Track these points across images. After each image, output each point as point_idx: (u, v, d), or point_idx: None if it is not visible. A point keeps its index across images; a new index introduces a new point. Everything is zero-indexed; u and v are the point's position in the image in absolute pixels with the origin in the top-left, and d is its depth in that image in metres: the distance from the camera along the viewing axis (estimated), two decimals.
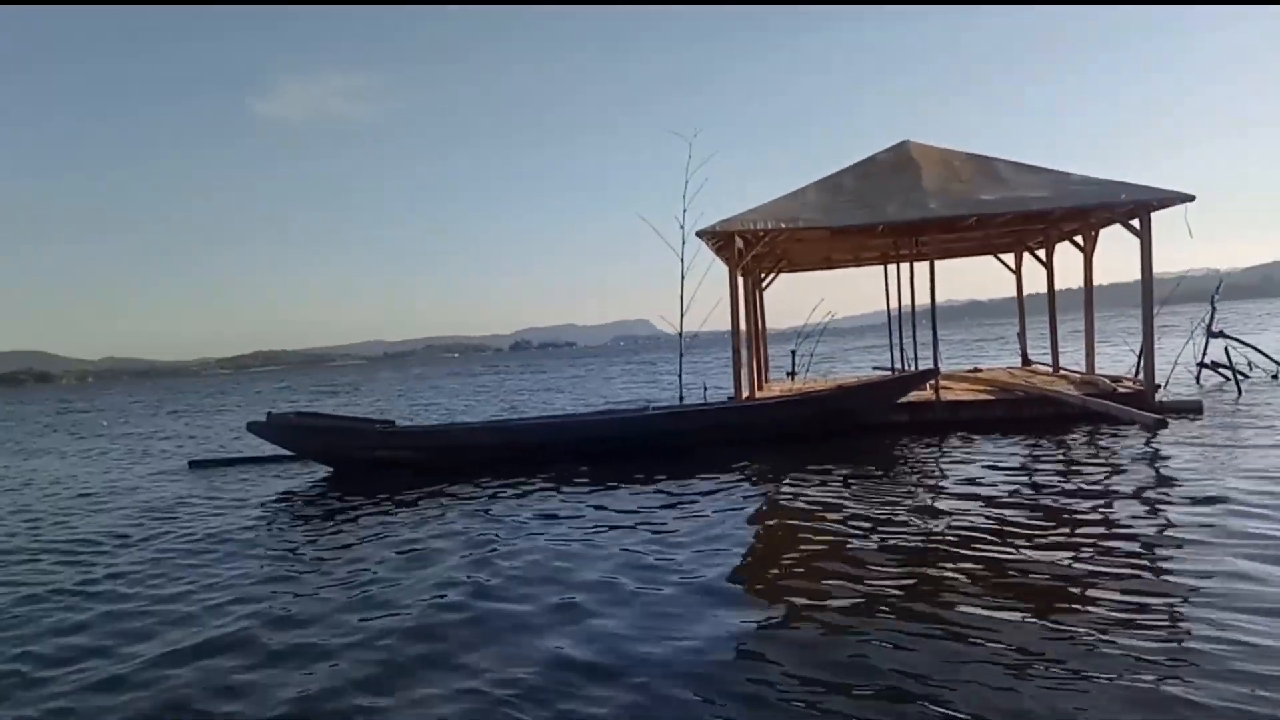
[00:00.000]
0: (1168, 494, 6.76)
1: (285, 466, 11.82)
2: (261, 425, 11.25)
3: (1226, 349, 14.99)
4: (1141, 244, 11.00)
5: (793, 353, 19.42)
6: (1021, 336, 18.21)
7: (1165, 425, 9.71)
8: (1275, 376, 15.32)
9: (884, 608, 4.46)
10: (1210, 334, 15.46)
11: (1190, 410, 10.96)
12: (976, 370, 17.30)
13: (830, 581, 4.96)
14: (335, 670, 4.09)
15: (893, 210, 11.40)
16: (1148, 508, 6.35)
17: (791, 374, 19.14)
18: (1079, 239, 13.56)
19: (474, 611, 4.83)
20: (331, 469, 11.12)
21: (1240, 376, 15.18)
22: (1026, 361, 17.67)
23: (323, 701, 3.75)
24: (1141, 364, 13.37)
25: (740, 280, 14.21)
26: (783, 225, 11.37)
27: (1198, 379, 15.23)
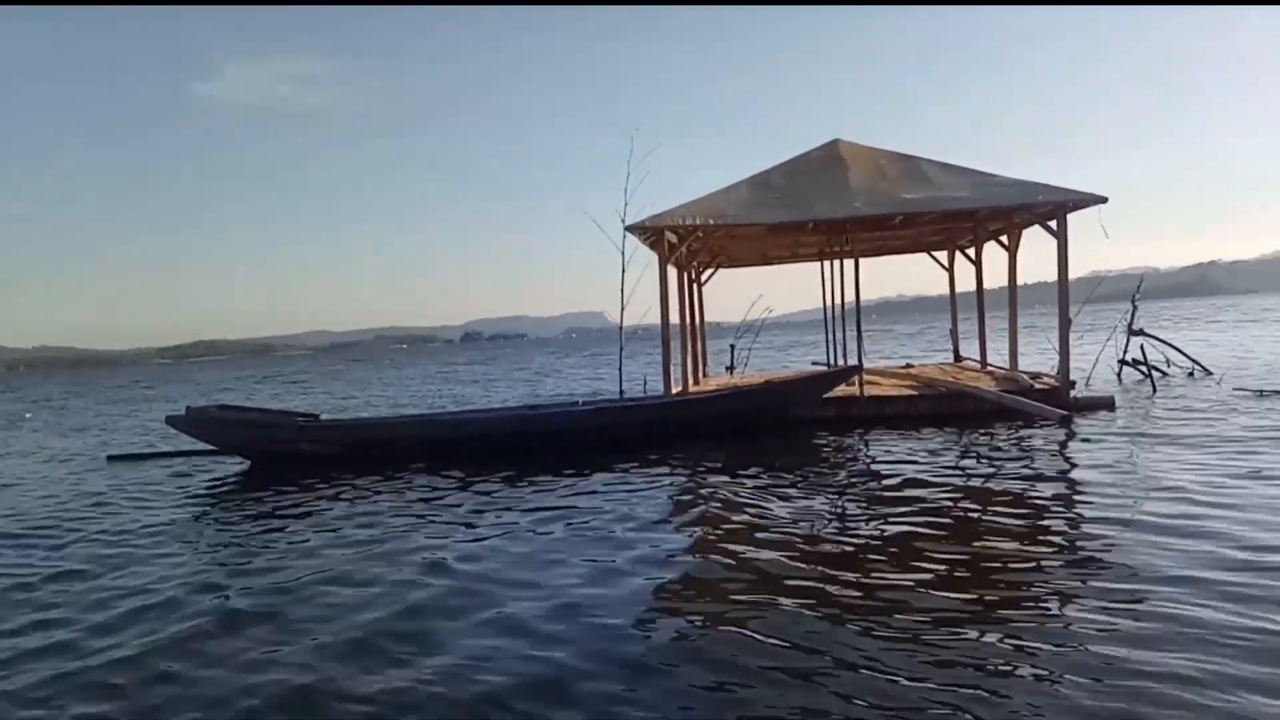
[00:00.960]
0: (1070, 485, 7.07)
1: (206, 461, 11.60)
2: (180, 419, 11.02)
3: (1142, 346, 15.44)
4: (1058, 244, 11.32)
5: (731, 347, 19.62)
6: (953, 333, 18.58)
7: (1072, 420, 10.02)
8: (1191, 374, 15.81)
9: (807, 598, 4.53)
10: (1131, 332, 15.93)
11: (1103, 406, 11.34)
12: (909, 366, 17.63)
13: (753, 574, 5.04)
14: (263, 670, 4.03)
15: (820, 208, 11.58)
16: (1049, 498, 6.64)
17: (730, 368, 19.33)
18: (1004, 238, 13.87)
19: (395, 605, 4.81)
20: (252, 463, 10.97)
21: (1159, 374, 15.70)
22: (958, 357, 18.05)
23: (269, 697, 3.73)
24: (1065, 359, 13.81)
25: (676, 275, 14.34)
26: (711, 221, 11.49)
27: (1119, 376, 15.69)
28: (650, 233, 11.91)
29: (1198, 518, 5.62)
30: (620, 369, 16.60)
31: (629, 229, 11.81)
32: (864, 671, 3.58)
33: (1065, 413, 9.89)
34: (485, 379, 33.11)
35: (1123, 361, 15.83)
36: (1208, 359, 17.54)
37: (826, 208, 11.55)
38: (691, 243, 13.88)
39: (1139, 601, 4.16)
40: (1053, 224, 11.42)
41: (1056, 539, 5.51)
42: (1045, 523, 5.94)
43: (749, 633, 4.06)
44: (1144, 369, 15.12)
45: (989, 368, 15.26)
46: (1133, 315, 16.01)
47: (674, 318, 12.53)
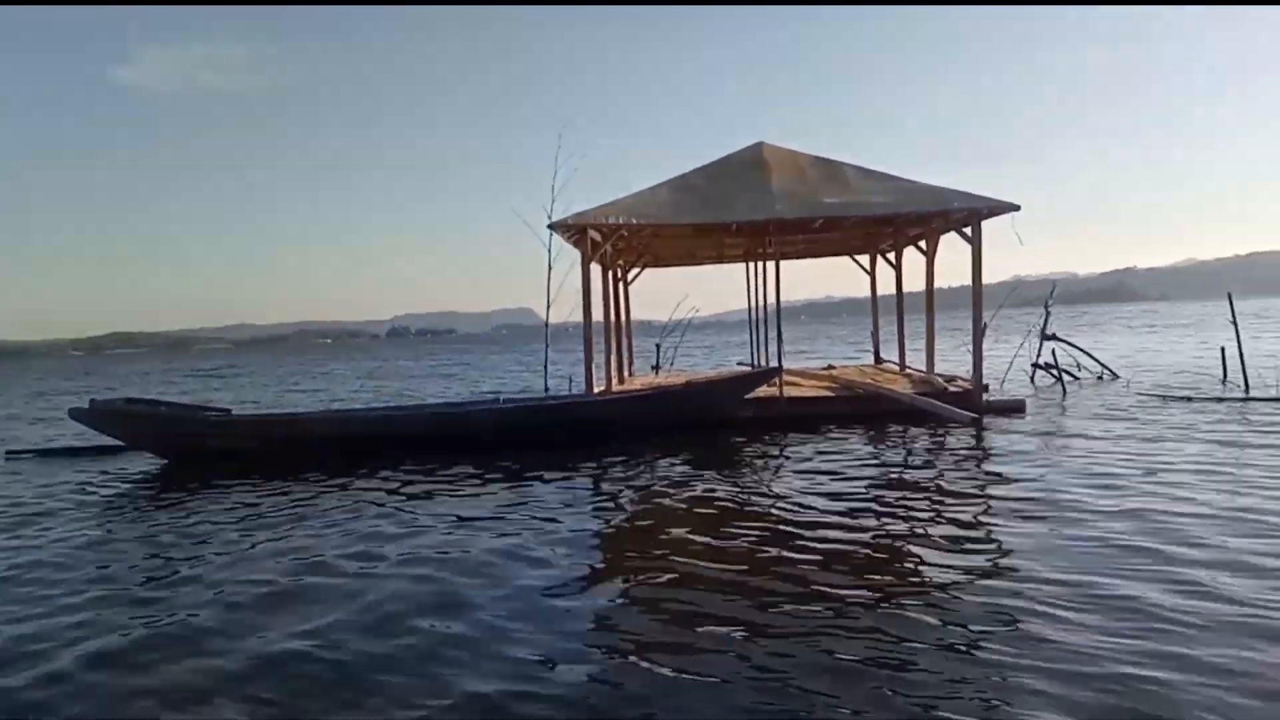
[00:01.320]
0: (975, 484, 7.29)
1: (113, 458, 11.19)
2: (85, 412, 10.59)
3: (1053, 351, 15.88)
4: (973, 250, 11.57)
5: (657, 346, 19.71)
6: (874, 335, 18.91)
7: (978, 423, 10.29)
8: (1100, 378, 16.34)
9: (726, 595, 4.59)
10: (1044, 337, 16.40)
11: (1013, 409, 11.63)
12: (830, 367, 17.88)
13: (670, 572, 5.08)
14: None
15: (741, 210, 11.66)
16: (954, 495, 6.82)
17: (656, 367, 19.41)
18: (923, 244, 14.14)
19: (312, 607, 4.72)
20: (160, 459, 10.64)
21: (1070, 377, 16.20)
22: (879, 360, 18.36)
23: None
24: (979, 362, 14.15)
25: (604, 274, 14.33)
26: (634, 220, 11.50)
27: (1032, 379, 16.14)
28: (573, 230, 11.87)
29: (1096, 512, 5.91)
30: (546, 366, 16.55)
31: (551, 226, 11.75)
32: (772, 670, 3.62)
33: (974, 415, 10.14)
34: (409, 375, 32.71)
35: (1036, 365, 16.28)
36: (1117, 363, 18.18)
37: (747, 210, 11.64)
38: (616, 241, 13.88)
39: (1031, 589, 4.32)
40: (968, 230, 11.66)
41: (958, 534, 5.65)
42: (947, 518, 6.11)
43: (662, 637, 4.07)
44: (1055, 373, 15.58)
45: (907, 370, 15.55)
46: (1045, 320, 16.48)
47: (598, 316, 12.54)
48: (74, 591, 5.24)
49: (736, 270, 20.10)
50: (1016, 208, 11.27)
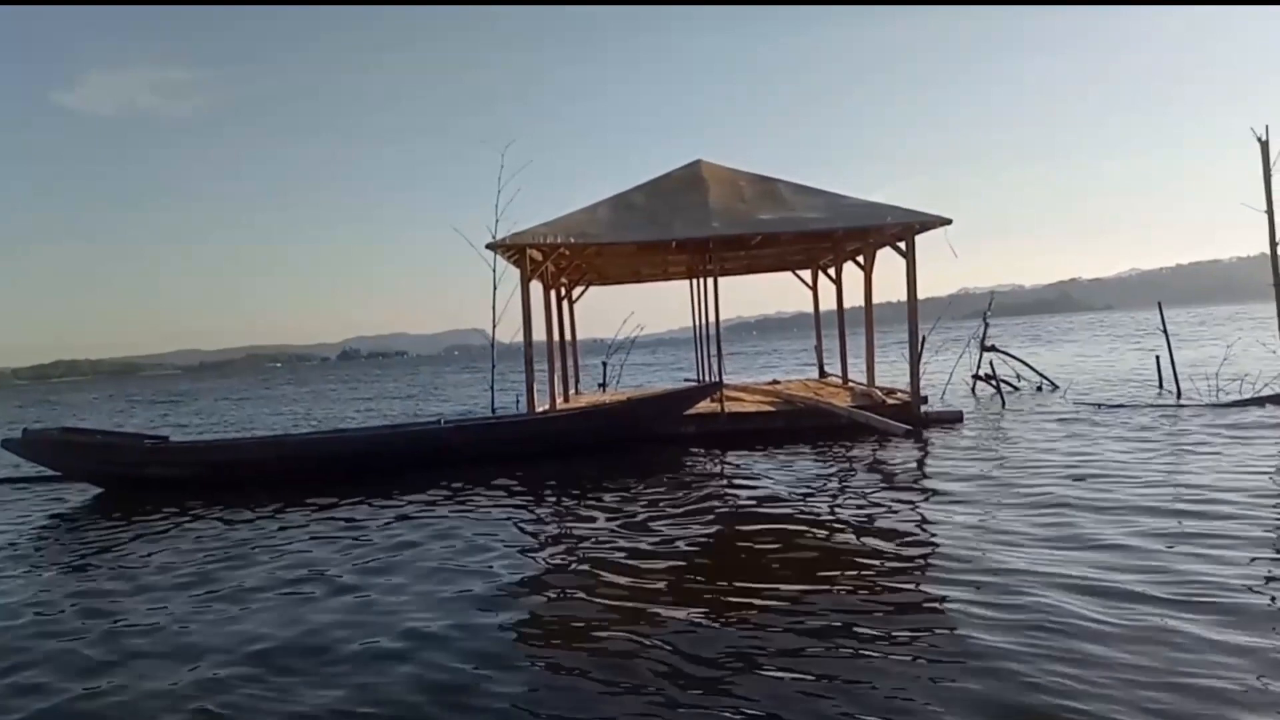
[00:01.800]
0: (911, 494, 7.39)
1: (49, 488, 10.94)
2: (17, 442, 10.37)
3: (990, 362, 16.12)
4: (907, 264, 11.73)
5: (604, 364, 19.72)
6: (817, 350, 19.12)
7: (915, 435, 10.41)
8: (1039, 388, 16.62)
9: (664, 609, 4.60)
10: (983, 348, 16.66)
11: (951, 420, 11.78)
12: (775, 382, 17.99)
13: (609, 588, 5.08)
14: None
15: (679, 228, 11.74)
16: (889, 506, 6.88)
17: (603, 385, 19.42)
18: (860, 258, 14.31)
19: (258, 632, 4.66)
20: (97, 489, 10.41)
21: (1009, 388, 16.47)
22: (822, 374, 18.54)
23: None
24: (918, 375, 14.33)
25: (545, 292, 14.30)
26: (571, 239, 11.51)
27: (973, 390, 16.40)
28: (512, 250, 11.85)
29: (1028, 521, 6.01)
30: (492, 386, 16.50)
31: (490, 246, 11.72)
32: (711, 683, 3.64)
33: (909, 428, 10.25)
34: (359, 398, 32.41)
35: (976, 376, 16.53)
36: (1059, 373, 18.54)
37: (685, 227, 11.72)
38: (558, 260, 13.89)
39: (975, 593, 4.41)
40: (902, 245, 11.82)
41: (891, 544, 5.68)
42: (881, 528, 6.14)
43: (601, 655, 4.05)
44: (994, 384, 15.84)
45: (850, 383, 15.70)
46: (984, 332, 16.76)
47: (540, 335, 12.53)
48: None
49: (682, 288, 20.23)
50: (948, 222, 11.46)
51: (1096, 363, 23.83)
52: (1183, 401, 12.72)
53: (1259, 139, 12.01)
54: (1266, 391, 12.40)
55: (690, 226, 11.71)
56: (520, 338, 12.94)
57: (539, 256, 12.07)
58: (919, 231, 11.68)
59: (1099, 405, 12.83)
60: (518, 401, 16.51)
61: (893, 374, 18.34)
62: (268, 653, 4.34)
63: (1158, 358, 15.07)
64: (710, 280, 12.99)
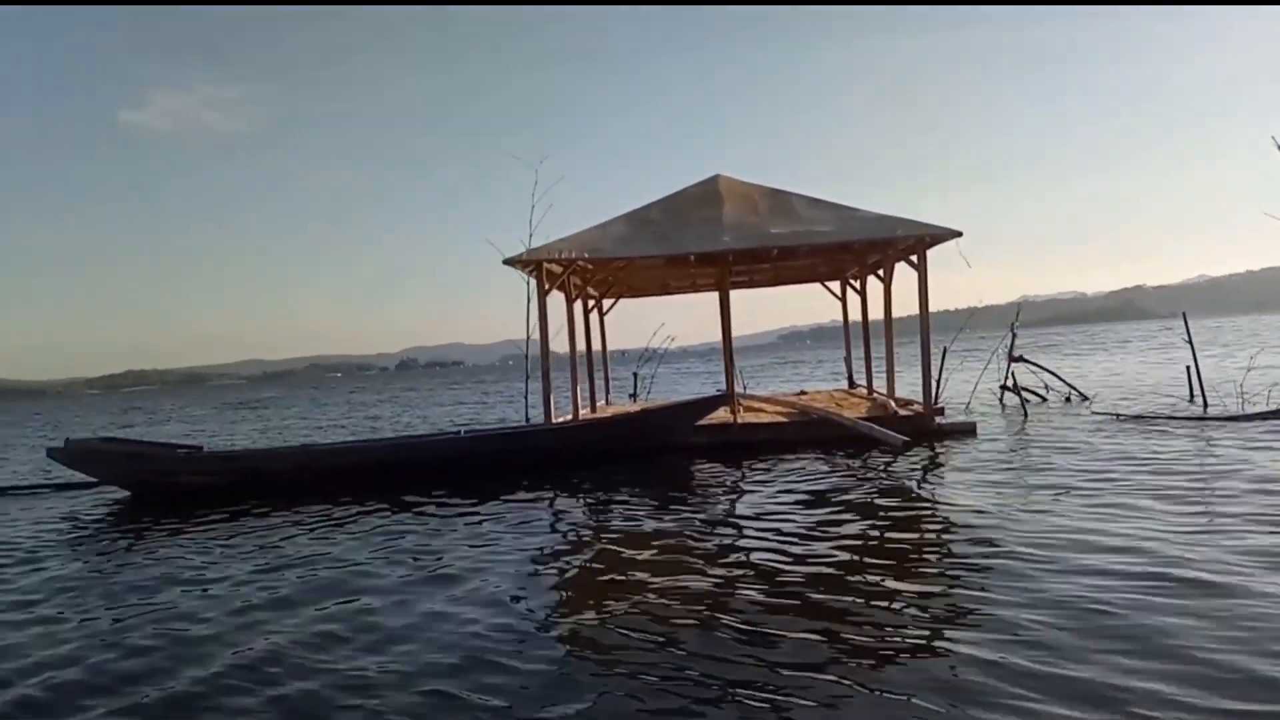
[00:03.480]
0: (911, 507, 7.50)
1: (88, 493, 11.53)
2: (61, 451, 11.01)
3: (1012, 373, 16.02)
4: (919, 277, 11.81)
5: (635, 375, 20.01)
6: (847, 360, 19.17)
7: (911, 447, 10.51)
8: (1068, 399, 16.49)
9: (679, 618, 4.74)
10: (1011, 359, 16.57)
11: (964, 432, 11.79)
12: (802, 393, 18.10)
13: (624, 595, 5.24)
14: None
15: (690, 243, 11.96)
16: (890, 520, 6.95)
17: (634, 395, 19.71)
18: (880, 271, 14.40)
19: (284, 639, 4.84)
20: (132, 495, 10.97)
21: (1038, 399, 16.39)
22: (852, 384, 18.60)
23: None
24: (940, 387, 14.37)
25: (568, 305, 14.62)
26: (585, 255, 11.80)
27: (1000, 400, 16.31)
28: (530, 265, 12.18)
29: (1004, 537, 6.07)
30: (526, 397, 16.87)
31: (507, 262, 12.07)
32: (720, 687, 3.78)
33: (905, 439, 10.31)
34: (410, 406, 33.10)
35: (1004, 387, 16.45)
36: (1100, 383, 18.33)
37: (696, 242, 11.93)
38: (583, 274, 14.21)
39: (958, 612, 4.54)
40: (914, 258, 11.90)
41: (881, 558, 5.81)
42: (874, 543, 6.25)
43: (616, 664, 4.16)
44: (1019, 394, 15.76)
45: (874, 394, 15.75)
46: (1012, 342, 16.65)
47: (558, 347, 12.87)
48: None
49: (739, 298, 20.44)
50: (959, 234, 11.53)
51: (1140, 372, 23.46)
52: (1208, 413, 12.56)
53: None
54: None
55: (702, 241, 11.93)
56: (557, 349, 13.32)
57: (557, 270, 12.38)
58: (930, 245, 11.76)
59: (1117, 416, 12.74)
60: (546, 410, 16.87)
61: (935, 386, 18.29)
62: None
63: (1188, 368, 14.87)
64: (732, 292, 13.19)
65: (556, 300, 13.51)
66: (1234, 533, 5.73)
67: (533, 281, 14.06)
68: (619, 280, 16.67)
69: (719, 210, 12.68)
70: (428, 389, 57.81)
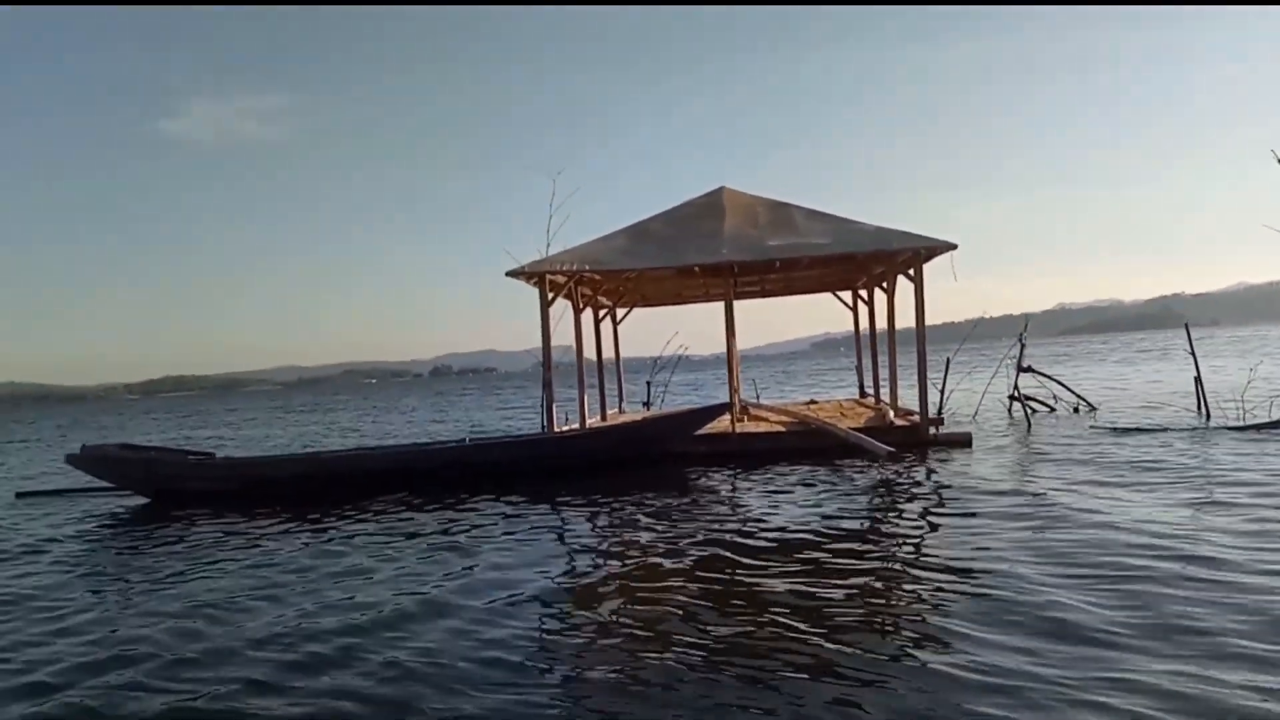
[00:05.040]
0: (901, 515, 7.71)
1: (112, 497, 11.93)
2: (78, 457, 11.45)
3: (1016, 383, 16.08)
4: (915, 288, 11.94)
5: (648, 384, 20.24)
6: (858, 370, 19.28)
7: (897, 457, 10.65)
8: (1076, 409, 16.52)
9: (669, 622, 4.92)
10: (1020, 369, 16.62)
11: (960, 443, 11.90)
12: (812, 402, 18.27)
13: (630, 600, 5.46)
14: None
15: (690, 254, 12.19)
16: (858, 528, 7.20)
17: (647, 404, 19.94)
18: (884, 282, 14.54)
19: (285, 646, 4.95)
20: (148, 499, 11.35)
21: (1046, 409, 16.46)
22: (863, 394, 18.71)
23: None
24: (944, 397, 14.51)
25: (576, 315, 14.88)
26: (586, 267, 12.07)
27: (1009, 411, 16.37)
28: (532, 277, 12.46)
29: (974, 545, 6.26)
30: (543, 404, 17.15)
31: (509, 274, 12.36)
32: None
33: (890, 449, 10.46)
34: (436, 411, 33.60)
35: (1012, 397, 16.50)
36: (1108, 393, 18.31)
37: (696, 254, 12.16)
38: (593, 285, 14.49)
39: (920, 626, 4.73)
40: (910, 270, 12.05)
41: (840, 562, 6.03)
42: (844, 550, 6.41)
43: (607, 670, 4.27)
44: (1033, 404, 15.85)
45: (880, 403, 15.89)
46: (1021, 353, 16.70)
47: (558, 356, 13.14)
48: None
49: (758, 308, 20.70)
50: (954, 247, 11.68)
51: (1157, 381, 23.34)
52: (1211, 424, 12.59)
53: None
54: None
55: (702, 253, 12.15)
56: (566, 357, 13.60)
57: (561, 281, 12.67)
58: (927, 258, 11.92)
59: (1114, 428, 12.80)
60: (567, 419, 17.15)
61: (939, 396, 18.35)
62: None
63: (1195, 379, 14.86)
64: (737, 303, 13.41)
65: (570, 311, 13.79)
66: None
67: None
68: (631, 290, 16.93)
69: (720, 223, 12.90)
70: (456, 395, 58.49)
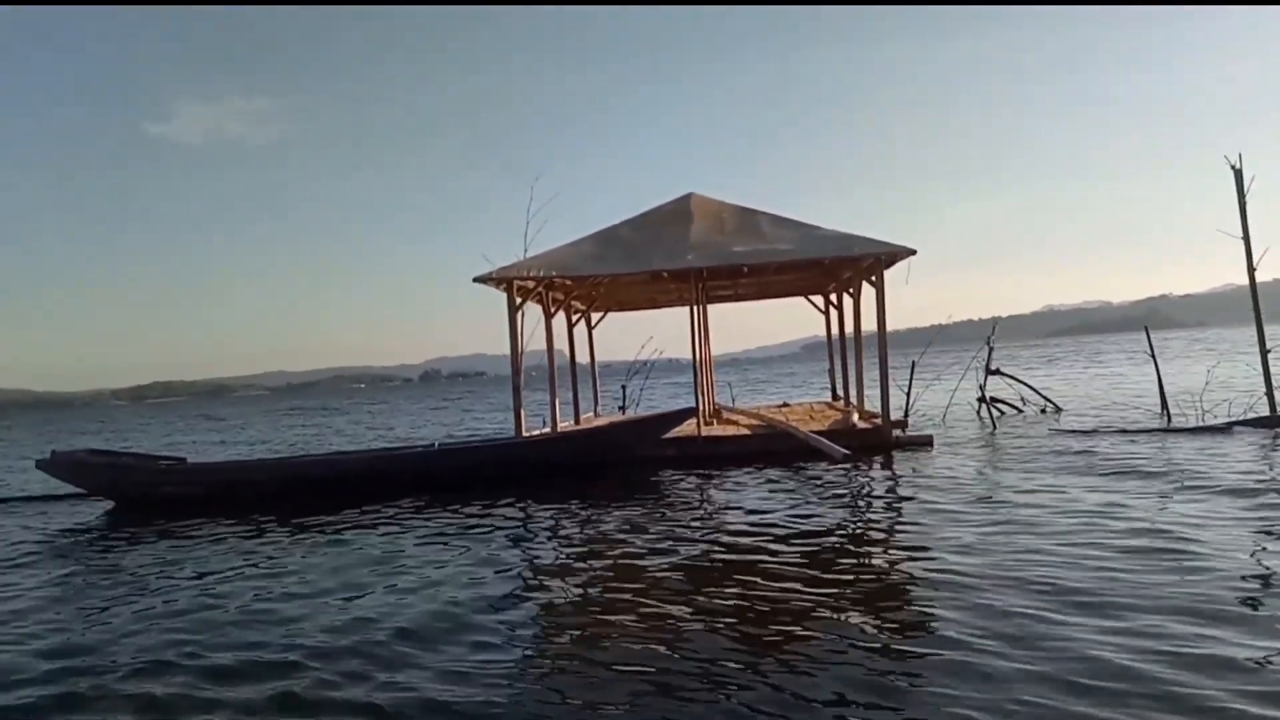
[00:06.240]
0: (852, 516, 7.94)
1: (77, 504, 12.01)
2: (48, 463, 11.51)
3: (982, 386, 16.30)
4: (876, 292, 12.16)
5: (623, 387, 20.40)
6: (831, 373, 19.47)
7: (852, 459, 10.84)
8: (1044, 411, 16.77)
9: (635, 623, 5.01)
10: (988, 372, 16.85)
11: (921, 444, 12.11)
12: (785, 405, 18.46)
13: (574, 609, 5.55)
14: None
15: (656, 260, 12.37)
16: (823, 528, 7.37)
17: (623, 407, 20.09)
18: (851, 288, 14.76)
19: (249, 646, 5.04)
20: (116, 504, 11.43)
21: (1015, 411, 16.70)
22: (835, 396, 18.91)
23: None
24: (909, 399, 14.70)
25: (547, 320, 15.05)
26: (554, 273, 12.24)
27: (978, 413, 16.58)
28: (500, 283, 12.61)
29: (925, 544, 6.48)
30: (516, 410, 17.28)
31: (476, 279, 12.50)
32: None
33: (846, 452, 10.63)
34: (419, 415, 33.70)
35: (981, 400, 16.73)
36: (1073, 396, 18.54)
37: (662, 260, 12.35)
38: (565, 290, 14.65)
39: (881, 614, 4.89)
40: (873, 275, 12.26)
41: (794, 557, 6.26)
42: (798, 548, 6.60)
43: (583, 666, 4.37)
44: (1003, 406, 16.12)
45: (850, 406, 16.09)
46: (989, 356, 16.93)
47: (538, 360, 13.30)
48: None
49: (748, 311, 20.95)
50: (913, 252, 11.90)
51: (1133, 383, 23.58)
52: (1172, 425, 12.82)
53: (1233, 167, 12.16)
54: (1251, 415, 12.51)
55: (667, 259, 12.34)
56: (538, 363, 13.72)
57: (529, 286, 12.83)
58: (888, 264, 12.14)
59: (1074, 431, 13.02)
60: (544, 422, 17.30)
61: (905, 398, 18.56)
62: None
63: (1159, 380, 15.06)
64: (711, 308, 13.61)
65: (555, 317, 13.96)
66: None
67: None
68: (604, 295, 17.09)
69: (687, 228, 13.09)
70: (453, 399, 58.58)
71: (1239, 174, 12.11)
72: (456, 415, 34.23)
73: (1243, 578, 5.05)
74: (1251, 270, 12.19)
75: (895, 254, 11.93)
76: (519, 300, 12.73)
